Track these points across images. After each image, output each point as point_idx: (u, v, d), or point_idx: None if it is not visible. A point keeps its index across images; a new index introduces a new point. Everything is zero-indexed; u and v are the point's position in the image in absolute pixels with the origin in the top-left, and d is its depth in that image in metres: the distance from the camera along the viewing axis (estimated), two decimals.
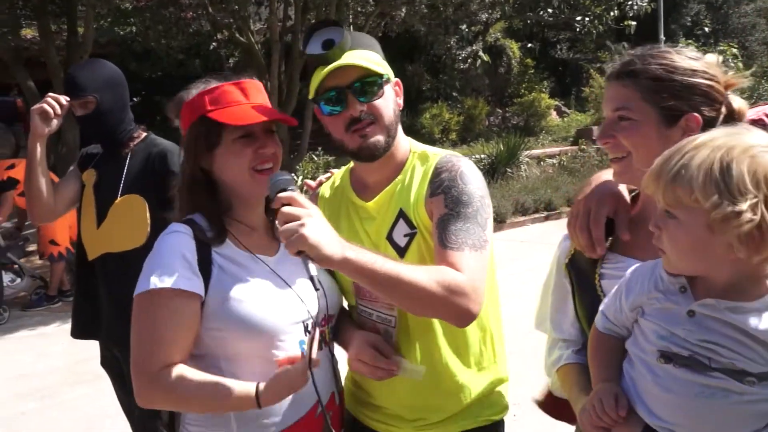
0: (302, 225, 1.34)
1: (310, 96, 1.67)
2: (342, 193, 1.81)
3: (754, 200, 1.08)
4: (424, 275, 1.46)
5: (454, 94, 17.07)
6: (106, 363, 2.80)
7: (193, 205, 1.64)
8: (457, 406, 1.72)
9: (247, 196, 1.66)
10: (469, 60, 15.72)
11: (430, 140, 14.81)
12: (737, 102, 1.42)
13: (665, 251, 1.20)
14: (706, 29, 24.05)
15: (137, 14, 11.38)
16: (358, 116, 1.62)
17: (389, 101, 1.68)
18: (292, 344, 1.59)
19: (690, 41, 19.32)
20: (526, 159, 14.00)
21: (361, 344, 1.66)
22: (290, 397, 1.55)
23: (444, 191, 1.62)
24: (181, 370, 1.49)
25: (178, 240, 1.55)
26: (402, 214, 1.70)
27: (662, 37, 17.48)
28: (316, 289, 1.35)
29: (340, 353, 1.77)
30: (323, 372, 1.65)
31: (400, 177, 1.73)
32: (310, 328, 1.63)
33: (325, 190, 1.87)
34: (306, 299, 1.64)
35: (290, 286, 1.63)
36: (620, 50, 22.26)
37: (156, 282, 1.48)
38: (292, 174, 1.52)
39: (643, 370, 1.25)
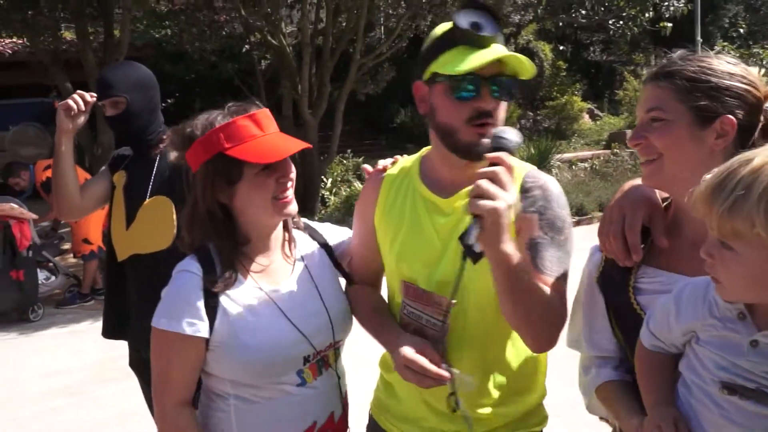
0: (500, 198, 1.33)
1: (435, 70, 1.57)
2: (409, 182, 1.76)
3: None
4: (547, 294, 1.51)
5: None
6: (133, 363, 2.83)
7: (208, 239, 1.68)
8: (498, 422, 1.69)
9: (266, 224, 1.73)
10: None
11: None
12: None
13: (720, 281, 1.13)
14: (742, 31, 23.48)
15: (172, 17, 11.55)
16: (487, 110, 1.56)
17: (505, 108, 1.63)
18: (291, 377, 1.68)
19: (726, 43, 18.89)
20: (558, 163, 13.85)
21: (410, 351, 1.56)
22: (283, 416, 1.66)
23: (539, 211, 1.60)
24: (187, 418, 1.63)
25: (188, 283, 1.62)
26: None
27: (699, 38, 17.11)
28: (464, 259, 1.39)
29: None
30: (324, 392, 1.74)
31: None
32: (311, 359, 1.71)
33: (393, 175, 1.81)
34: (311, 332, 1.70)
35: (295, 325, 1.68)
36: (656, 53, 21.89)
37: (165, 324, 1.60)
38: (518, 139, 1.47)
39: (706, 400, 1.19)
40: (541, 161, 13.25)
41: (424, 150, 1.82)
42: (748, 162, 1.08)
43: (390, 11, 10.93)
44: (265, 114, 1.66)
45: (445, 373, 1.53)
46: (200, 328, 1.59)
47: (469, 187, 1.64)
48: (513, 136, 1.42)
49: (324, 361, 1.75)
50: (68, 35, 12.70)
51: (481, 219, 1.34)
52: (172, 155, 1.74)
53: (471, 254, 1.38)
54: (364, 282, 1.90)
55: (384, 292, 1.91)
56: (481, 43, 1.54)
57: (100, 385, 5.23)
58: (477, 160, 1.60)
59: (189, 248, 1.69)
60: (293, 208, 1.72)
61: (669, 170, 1.38)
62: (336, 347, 1.81)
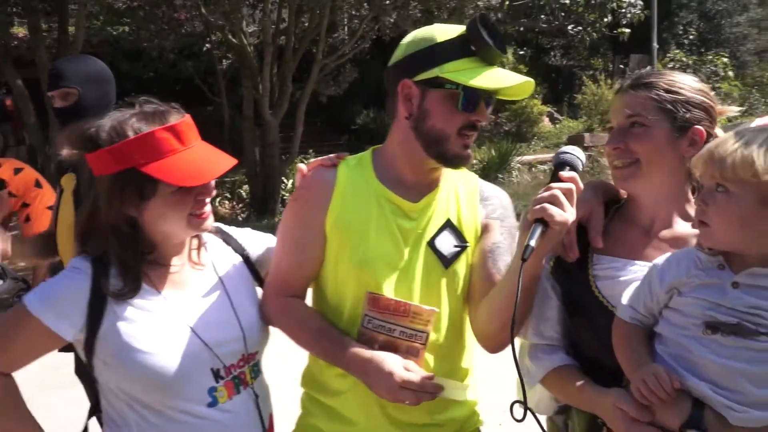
0: (570, 213, 1.38)
1: (443, 75, 1.54)
2: (367, 183, 1.67)
3: None
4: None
5: None
6: (79, 371, 2.73)
7: (109, 249, 1.53)
8: (462, 420, 1.73)
9: (178, 239, 1.60)
10: None
11: None
12: (719, 132, 1.55)
13: (710, 225, 1.28)
14: (694, 38, 24.21)
15: (130, 14, 11.30)
16: (480, 124, 1.58)
17: None
18: (199, 394, 1.53)
19: (678, 51, 19.42)
20: (518, 165, 14.03)
21: (401, 370, 1.51)
22: None
23: (500, 219, 1.70)
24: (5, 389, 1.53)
25: (75, 279, 1.49)
26: (450, 225, 1.66)
27: (655, 45, 17.55)
28: (524, 260, 1.36)
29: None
30: (241, 415, 1.59)
31: (443, 185, 1.69)
32: (222, 374, 1.57)
33: (344, 174, 1.69)
34: (216, 341, 1.56)
35: (198, 334, 1.54)
36: (615, 58, 22.35)
37: (34, 305, 1.47)
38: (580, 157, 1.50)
39: (689, 344, 1.30)
40: (502, 163, 13.41)
41: (370, 150, 1.75)
42: (745, 129, 1.30)
43: (353, 12, 10.90)
44: (187, 124, 1.51)
45: (441, 385, 1.51)
46: (64, 326, 1.46)
47: (434, 192, 1.67)
48: (583, 158, 1.47)
49: (240, 378, 1.60)
50: (21, 31, 12.30)
51: (545, 225, 1.37)
52: (64, 151, 1.57)
53: (526, 253, 1.38)
54: (296, 294, 1.72)
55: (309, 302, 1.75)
56: (492, 60, 1.54)
57: (46, 392, 5.05)
58: (455, 168, 1.64)
59: (88, 253, 1.54)
60: (211, 222, 1.59)
61: (645, 174, 1.50)
62: (252, 362, 1.65)
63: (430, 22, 1.78)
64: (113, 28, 13.04)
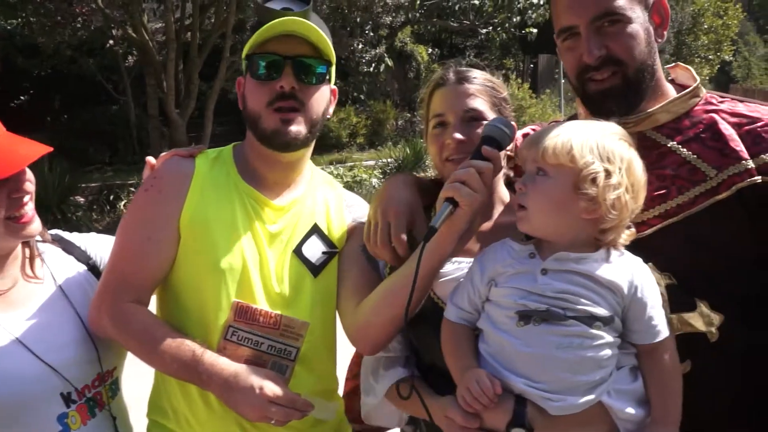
0: (481, 192, 1.33)
1: (244, 53, 1.53)
2: (228, 177, 1.57)
3: (620, 170, 1.29)
4: None
5: (362, 97, 17.08)
6: None
7: None
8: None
9: (0, 247, 1.42)
10: (373, 64, 15.80)
11: (338, 144, 14.72)
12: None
13: (528, 208, 1.33)
14: None
15: (21, 6, 10.63)
16: (287, 92, 1.48)
17: (323, 98, 1.56)
18: (46, 423, 1.39)
19: None
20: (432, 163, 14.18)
21: (272, 386, 1.40)
22: None
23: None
24: None
25: None
26: (317, 230, 1.58)
27: None
28: (425, 241, 1.32)
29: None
30: None
31: (308, 189, 1.62)
32: (75, 397, 1.42)
33: (204, 165, 1.58)
34: (63, 363, 1.42)
35: (40, 357, 1.39)
36: (524, 58, 23.06)
37: None
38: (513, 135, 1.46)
39: (504, 339, 1.31)
40: (416, 161, 13.51)
41: (231, 145, 1.66)
42: (565, 122, 1.39)
43: None
44: None
45: (312, 403, 1.43)
46: None
47: (298, 195, 1.58)
48: (513, 133, 1.43)
49: (95, 400, 1.46)
50: None
51: (455, 205, 1.32)
52: None
53: (429, 234, 1.33)
54: (139, 300, 1.53)
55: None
56: (285, 23, 1.46)
57: None
58: (285, 151, 1.52)
59: None
60: (35, 227, 1.45)
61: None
62: (109, 380, 1.51)
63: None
64: (7, 22, 12.26)
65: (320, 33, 1.48)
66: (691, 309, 1.42)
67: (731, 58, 21.63)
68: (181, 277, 1.53)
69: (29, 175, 1.41)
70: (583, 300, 1.29)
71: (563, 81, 18.68)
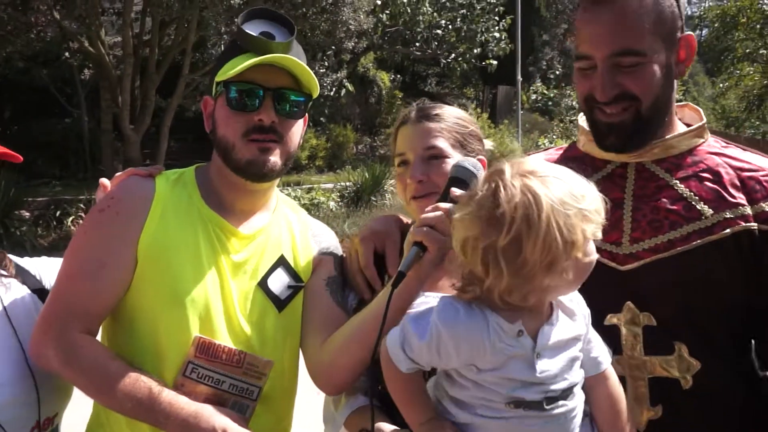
0: (449, 236, 1.23)
1: (219, 78, 1.43)
2: (190, 201, 1.46)
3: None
4: None
5: (322, 120, 17.10)
6: None
7: None
8: None
9: None
10: (333, 88, 15.87)
11: (296, 165, 14.63)
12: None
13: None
14: (558, 73, 26.11)
15: None
16: (266, 125, 1.40)
17: (299, 130, 1.50)
18: None
19: (540, 85, 20.78)
20: (391, 188, 14.21)
21: (232, 426, 1.30)
22: None
23: (333, 254, 1.58)
24: None
25: None
26: (284, 262, 1.49)
27: (519, 78, 18.63)
28: (394, 287, 1.24)
29: None
30: None
31: (274, 217, 1.54)
32: None
33: (164, 187, 1.47)
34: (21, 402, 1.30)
35: None
36: (484, 88, 23.49)
37: None
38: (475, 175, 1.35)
39: (489, 414, 1.20)
40: (375, 186, 13.53)
41: (193, 167, 1.56)
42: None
43: (222, 27, 10.63)
44: None
45: None
46: None
47: (264, 225, 1.50)
48: (480, 173, 1.33)
49: None
50: None
51: (423, 249, 1.27)
52: None
53: (398, 280, 1.27)
54: (88, 330, 1.39)
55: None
56: (269, 50, 1.40)
57: None
58: (259, 182, 1.46)
59: None
60: None
61: None
62: (48, 428, 1.38)
63: (303, 43, 1.68)
64: None
65: (305, 68, 1.43)
66: (668, 352, 1.37)
67: (681, 97, 22.45)
68: (135, 306, 1.41)
69: None
70: (569, 372, 1.21)
71: (521, 112, 19.07)
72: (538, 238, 1.09)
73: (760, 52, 14.75)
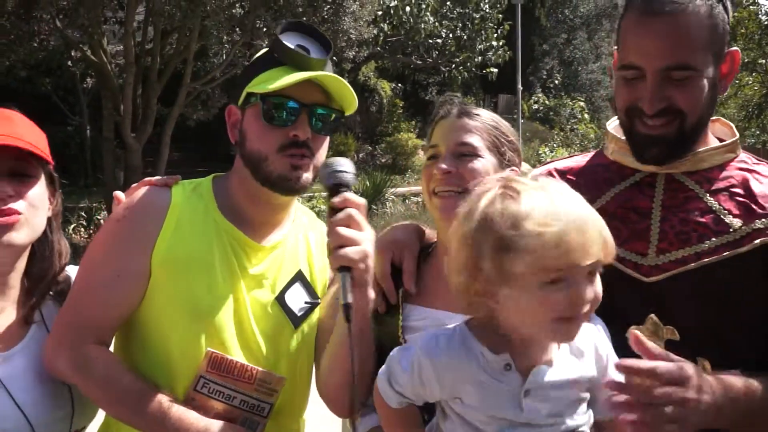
0: (363, 240, 1.24)
1: (255, 89, 1.39)
2: (206, 212, 1.44)
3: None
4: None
5: None
6: None
7: None
8: None
9: None
10: None
11: None
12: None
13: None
14: (557, 82, 26.21)
15: None
16: (302, 141, 1.38)
17: (326, 146, 1.47)
18: None
19: (541, 94, 20.82)
20: (392, 196, 14.25)
21: None
22: None
23: None
24: None
25: None
26: (301, 278, 1.47)
27: (519, 87, 18.70)
28: (349, 321, 1.18)
29: None
30: None
31: (292, 230, 1.51)
32: None
33: (180, 197, 1.45)
34: (41, 417, 1.31)
35: (18, 404, 1.28)
36: (485, 97, 23.56)
37: None
38: (354, 170, 1.33)
39: None
40: (376, 194, 13.55)
41: (210, 177, 1.53)
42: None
43: (224, 36, 10.68)
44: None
45: None
46: None
47: (281, 237, 1.48)
48: (351, 168, 1.31)
49: None
50: None
51: (349, 270, 1.22)
52: None
53: (347, 313, 1.19)
54: (101, 341, 1.39)
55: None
56: (307, 66, 1.37)
57: None
58: (289, 195, 1.44)
59: None
60: (23, 235, 1.31)
61: None
62: None
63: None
64: None
65: (349, 88, 1.41)
66: None
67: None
68: (147, 317, 1.40)
69: (21, 188, 1.30)
70: (568, 415, 1.16)
71: (521, 121, 19.12)
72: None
73: (760, 62, 14.78)
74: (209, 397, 1.36)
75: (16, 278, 1.36)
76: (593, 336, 1.22)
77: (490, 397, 1.14)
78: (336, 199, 1.27)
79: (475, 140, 1.44)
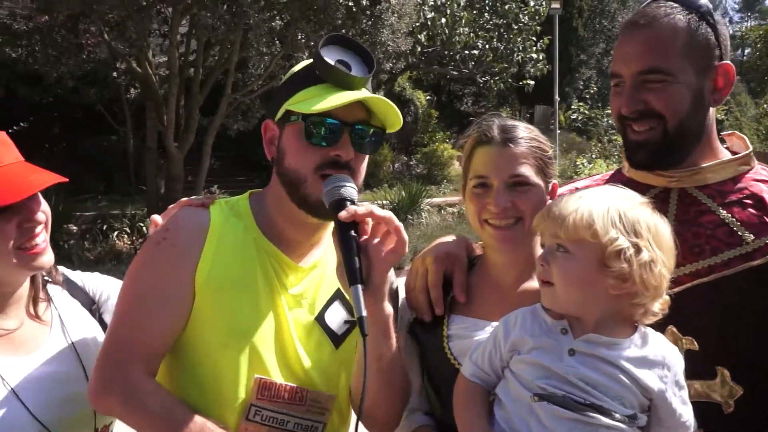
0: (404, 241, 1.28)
1: (295, 108, 1.35)
2: (246, 232, 1.41)
3: (649, 243, 1.23)
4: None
5: None
6: None
7: None
8: None
9: (8, 281, 1.35)
10: None
11: None
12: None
13: (553, 283, 1.27)
14: (594, 92, 25.90)
15: (27, 36, 10.78)
16: (344, 161, 1.34)
17: (366, 163, 1.43)
18: None
19: (581, 104, 20.59)
20: (428, 207, 14.24)
21: None
22: None
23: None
24: None
25: None
26: (340, 296, 1.44)
27: (557, 97, 18.57)
28: (365, 335, 1.20)
29: None
30: None
31: (328, 247, 1.46)
32: None
33: (219, 218, 1.41)
34: (56, 419, 1.32)
35: (28, 408, 1.30)
36: (521, 108, 23.42)
37: None
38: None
39: (519, 409, 1.27)
40: (412, 204, 13.57)
41: (247, 195, 1.50)
42: (576, 192, 1.33)
43: (264, 49, 10.88)
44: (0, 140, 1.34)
45: None
46: None
47: (320, 257, 1.45)
48: (346, 180, 1.29)
49: None
50: None
51: (362, 283, 1.23)
52: None
53: (362, 325, 1.20)
54: (149, 370, 1.33)
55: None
56: (349, 84, 1.33)
57: None
58: (326, 219, 1.39)
59: None
60: (47, 259, 1.35)
61: (527, 233, 1.48)
62: None
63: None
64: (13, 50, 12.41)
65: (395, 109, 1.37)
66: (711, 377, 1.38)
67: (723, 117, 21.99)
68: (192, 344, 1.36)
69: (44, 206, 1.36)
70: (607, 394, 1.22)
71: (558, 132, 18.95)
72: None
73: None
74: (262, 425, 1.32)
75: (25, 287, 1.41)
76: (676, 363, 1.29)
77: (541, 349, 1.27)
78: (344, 215, 1.24)
79: (525, 170, 1.44)
